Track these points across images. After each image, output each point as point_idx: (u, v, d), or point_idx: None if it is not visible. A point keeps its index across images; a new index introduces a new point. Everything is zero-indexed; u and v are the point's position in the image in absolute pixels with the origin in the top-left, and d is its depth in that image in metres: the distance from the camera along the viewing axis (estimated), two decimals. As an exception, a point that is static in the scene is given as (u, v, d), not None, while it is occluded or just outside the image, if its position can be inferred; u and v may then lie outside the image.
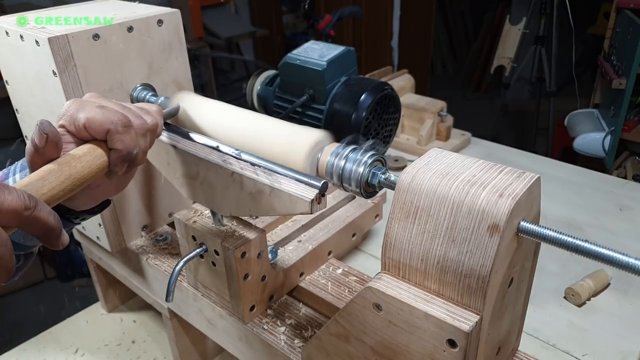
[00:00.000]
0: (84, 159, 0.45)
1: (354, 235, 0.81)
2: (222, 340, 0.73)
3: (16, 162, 0.54)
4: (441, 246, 0.43)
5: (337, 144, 0.54)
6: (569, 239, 0.41)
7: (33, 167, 0.43)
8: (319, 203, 0.51)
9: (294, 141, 0.56)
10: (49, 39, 0.63)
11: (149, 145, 0.51)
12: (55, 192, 0.41)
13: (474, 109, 3.57)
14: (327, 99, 0.85)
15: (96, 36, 0.67)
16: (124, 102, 0.51)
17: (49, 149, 0.43)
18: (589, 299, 0.76)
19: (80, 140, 0.47)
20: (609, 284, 0.78)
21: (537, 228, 0.42)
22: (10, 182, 0.50)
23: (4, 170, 0.54)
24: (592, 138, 2.06)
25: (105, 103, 0.49)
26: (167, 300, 0.60)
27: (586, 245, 0.40)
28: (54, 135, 0.43)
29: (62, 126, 0.47)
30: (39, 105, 0.74)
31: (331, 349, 0.55)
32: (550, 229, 0.42)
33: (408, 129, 1.23)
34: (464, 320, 0.42)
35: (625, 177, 1.99)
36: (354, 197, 0.84)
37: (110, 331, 0.99)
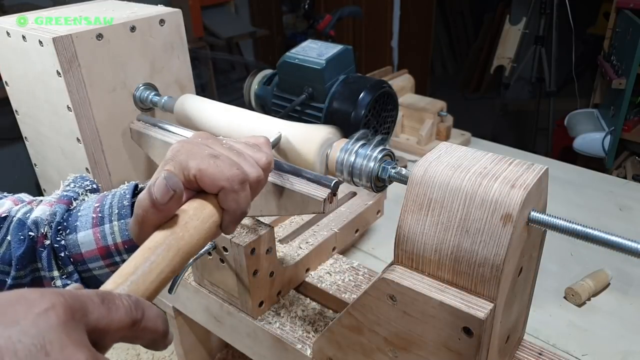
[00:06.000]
0: (192, 224, 0.38)
1: (356, 231, 0.82)
2: (229, 336, 0.73)
3: (110, 201, 0.46)
4: (455, 237, 0.44)
5: (345, 140, 0.55)
6: (579, 227, 0.42)
7: (144, 223, 0.38)
8: (330, 202, 0.51)
9: (303, 139, 0.56)
10: (54, 39, 0.63)
11: (258, 192, 0.45)
12: (165, 277, 0.35)
13: (474, 109, 3.57)
14: (326, 97, 0.85)
15: (100, 36, 0.67)
16: (233, 142, 0.45)
17: (170, 207, 0.37)
18: (589, 299, 0.76)
19: (187, 190, 0.41)
20: (609, 284, 0.78)
21: (547, 217, 0.43)
22: (106, 230, 0.44)
23: (97, 204, 0.46)
24: (592, 138, 2.06)
25: (217, 149, 0.42)
26: (169, 292, 0.60)
27: (595, 232, 0.41)
28: (181, 192, 0.38)
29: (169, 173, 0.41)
30: (41, 106, 0.74)
31: (343, 341, 0.55)
32: (559, 218, 0.43)
33: (408, 129, 1.23)
34: (478, 308, 0.43)
35: (625, 177, 1.99)
36: (355, 194, 0.85)
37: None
